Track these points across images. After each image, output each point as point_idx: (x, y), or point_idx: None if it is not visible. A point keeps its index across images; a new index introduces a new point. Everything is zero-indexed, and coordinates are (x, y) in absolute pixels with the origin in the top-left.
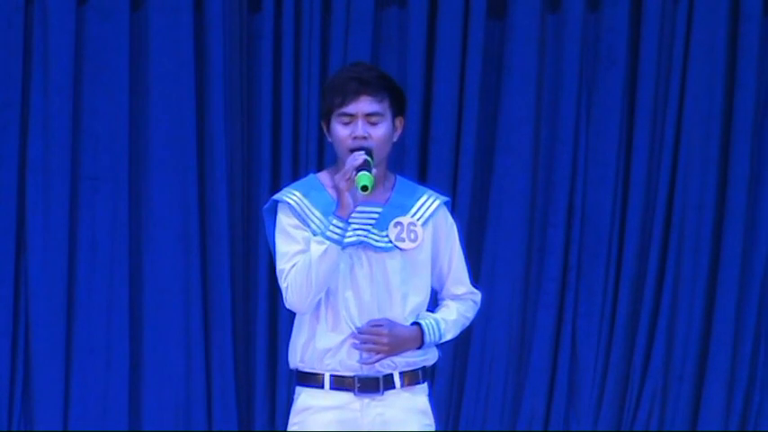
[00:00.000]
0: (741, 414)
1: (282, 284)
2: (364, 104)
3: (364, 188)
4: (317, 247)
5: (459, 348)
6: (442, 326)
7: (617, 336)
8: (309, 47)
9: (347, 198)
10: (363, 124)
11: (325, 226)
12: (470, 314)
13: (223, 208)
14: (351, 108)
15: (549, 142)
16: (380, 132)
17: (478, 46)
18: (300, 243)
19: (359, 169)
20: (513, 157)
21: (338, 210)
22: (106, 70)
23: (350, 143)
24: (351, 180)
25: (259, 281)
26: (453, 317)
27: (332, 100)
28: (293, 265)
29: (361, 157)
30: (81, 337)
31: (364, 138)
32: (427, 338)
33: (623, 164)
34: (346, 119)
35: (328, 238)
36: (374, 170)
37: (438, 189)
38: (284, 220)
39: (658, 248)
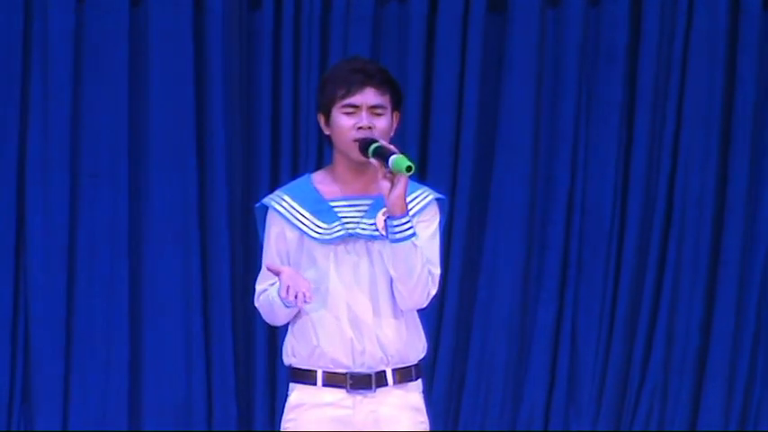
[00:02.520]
0: (741, 411)
1: (255, 303)
2: (369, 96)
3: (409, 168)
4: (275, 298)
5: (459, 346)
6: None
7: (617, 333)
8: (309, 43)
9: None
10: (367, 115)
11: (314, 226)
12: (431, 271)
13: (223, 205)
14: (356, 99)
15: (548, 138)
16: (384, 124)
17: (478, 41)
18: (276, 261)
19: (387, 157)
20: (513, 153)
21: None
22: (106, 67)
23: (354, 134)
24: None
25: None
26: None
27: (334, 91)
28: (263, 291)
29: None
30: (81, 336)
31: (369, 128)
32: (406, 220)
33: (623, 160)
34: (350, 109)
35: (281, 299)
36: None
37: (438, 185)
38: (269, 230)
39: (658, 245)
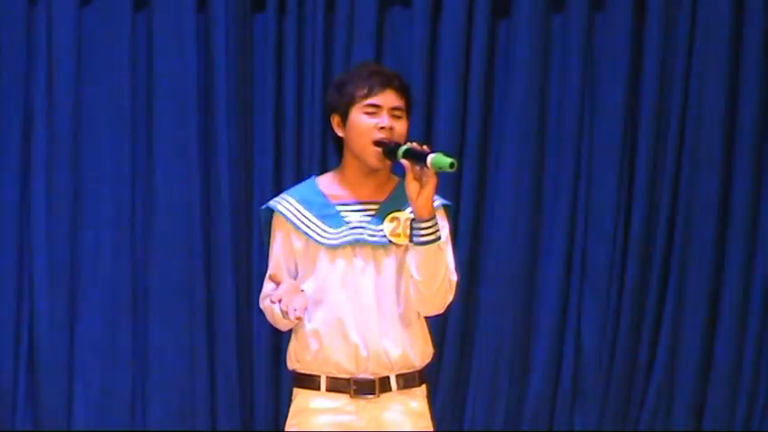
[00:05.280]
0: (746, 412)
1: (260, 305)
2: (390, 98)
3: (452, 165)
4: (275, 307)
5: (464, 348)
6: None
7: (621, 336)
8: (313, 46)
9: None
10: (388, 117)
11: (320, 230)
12: (451, 279)
13: (226, 208)
14: (378, 99)
15: (552, 142)
16: (403, 127)
17: (482, 45)
18: (282, 265)
19: (421, 156)
20: (516, 157)
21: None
22: (109, 71)
23: (375, 134)
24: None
25: (263, 280)
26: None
27: (354, 92)
28: (266, 296)
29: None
30: (85, 338)
31: (391, 128)
32: (433, 223)
33: (627, 163)
34: (372, 109)
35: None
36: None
37: (441, 189)
38: (274, 233)
39: (662, 247)
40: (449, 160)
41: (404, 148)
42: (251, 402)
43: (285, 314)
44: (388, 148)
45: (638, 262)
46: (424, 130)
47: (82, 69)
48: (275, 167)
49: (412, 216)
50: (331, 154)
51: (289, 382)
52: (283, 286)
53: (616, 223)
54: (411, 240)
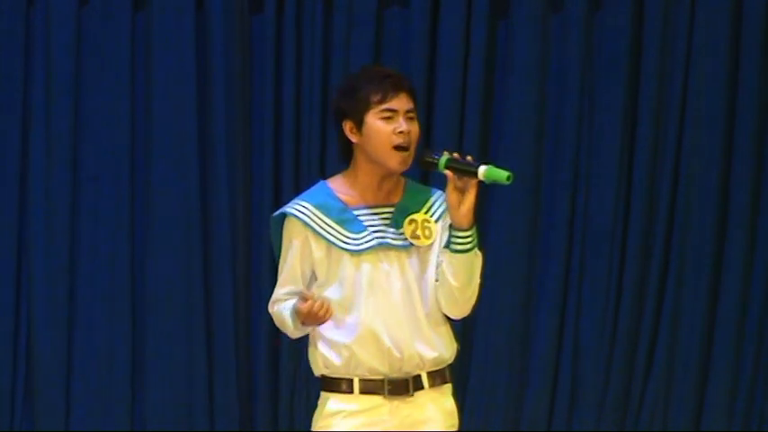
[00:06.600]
0: (744, 415)
1: (269, 309)
2: (404, 101)
3: (509, 178)
4: (287, 317)
5: (462, 349)
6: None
7: (620, 337)
8: (311, 47)
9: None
10: (404, 120)
11: (342, 235)
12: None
13: (224, 209)
14: (394, 104)
15: (551, 142)
16: (417, 129)
17: (481, 46)
18: (297, 272)
19: (466, 168)
20: (515, 158)
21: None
22: (107, 71)
23: (394, 139)
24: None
25: (261, 281)
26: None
27: (368, 97)
28: (276, 302)
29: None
30: (83, 338)
31: (408, 132)
32: (472, 231)
33: (626, 164)
34: (388, 114)
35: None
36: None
37: (440, 189)
38: (290, 240)
39: (661, 249)
40: (506, 173)
41: (445, 158)
42: (251, 402)
43: (317, 316)
44: (426, 161)
45: (637, 262)
46: (424, 130)
47: (80, 69)
48: (274, 167)
49: (428, 216)
50: (330, 154)
51: (288, 382)
52: (304, 310)
53: (616, 223)
54: (447, 247)
